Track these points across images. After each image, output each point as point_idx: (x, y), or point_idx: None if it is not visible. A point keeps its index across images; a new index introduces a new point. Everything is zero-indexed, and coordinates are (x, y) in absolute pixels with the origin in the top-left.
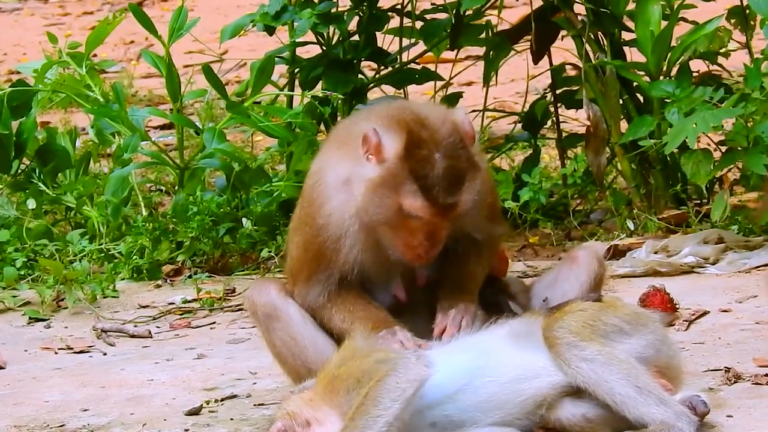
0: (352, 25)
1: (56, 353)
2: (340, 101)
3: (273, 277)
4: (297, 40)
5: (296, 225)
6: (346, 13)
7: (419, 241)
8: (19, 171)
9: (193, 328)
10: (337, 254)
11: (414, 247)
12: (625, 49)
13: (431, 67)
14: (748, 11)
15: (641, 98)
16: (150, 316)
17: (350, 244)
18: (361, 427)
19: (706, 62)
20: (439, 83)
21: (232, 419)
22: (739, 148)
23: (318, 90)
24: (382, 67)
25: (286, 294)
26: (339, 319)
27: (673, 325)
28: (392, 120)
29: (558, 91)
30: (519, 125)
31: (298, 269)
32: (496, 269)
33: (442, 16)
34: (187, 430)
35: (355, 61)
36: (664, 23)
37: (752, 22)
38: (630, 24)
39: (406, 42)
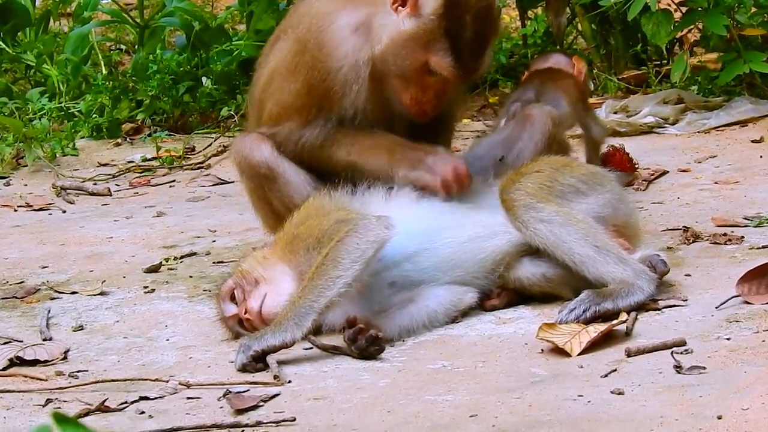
0: None
1: (15, 210)
2: None
3: (234, 134)
4: None
5: (294, 69)
6: None
7: (428, 97)
8: None
9: (152, 186)
10: (343, 99)
11: (422, 102)
12: None
13: None
14: None
15: None
16: (109, 174)
17: (357, 90)
18: (321, 287)
19: None
20: None
21: (191, 276)
22: (700, 9)
23: None
24: None
25: (279, 152)
26: (344, 153)
27: (632, 184)
28: None
29: None
30: None
31: (293, 112)
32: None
33: None
34: (147, 287)
35: None
36: None
37: None
38: None
39: None
